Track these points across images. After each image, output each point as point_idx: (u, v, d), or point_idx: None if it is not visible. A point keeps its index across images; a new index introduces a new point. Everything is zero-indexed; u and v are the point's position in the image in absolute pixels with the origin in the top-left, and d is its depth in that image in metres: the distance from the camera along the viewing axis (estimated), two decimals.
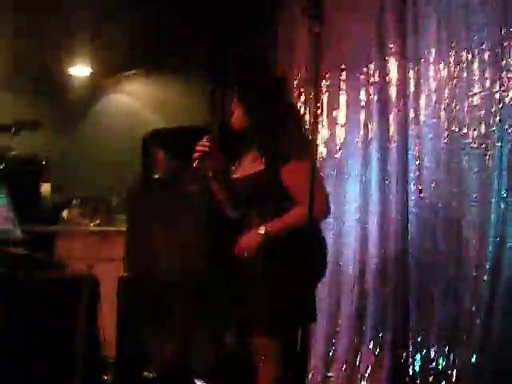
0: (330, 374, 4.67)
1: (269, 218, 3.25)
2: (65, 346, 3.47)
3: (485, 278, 4.21)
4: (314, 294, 3.41)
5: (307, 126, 4.70)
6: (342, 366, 4.64)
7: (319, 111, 4.85)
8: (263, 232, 3.20)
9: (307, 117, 4.87)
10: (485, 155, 4.28)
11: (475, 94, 4.35)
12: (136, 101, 6.96)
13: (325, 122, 4.88)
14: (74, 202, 6.15)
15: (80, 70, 6.82)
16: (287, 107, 3.40)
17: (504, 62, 4.22)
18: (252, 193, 3.32)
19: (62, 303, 3.45)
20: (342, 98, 4.84)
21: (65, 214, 6.10)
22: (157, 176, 4.90)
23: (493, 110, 4.27)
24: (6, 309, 3.29)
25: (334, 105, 4.86)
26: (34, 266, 3.52)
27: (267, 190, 3.27)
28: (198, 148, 3.33)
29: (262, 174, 3.27)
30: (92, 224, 5.98)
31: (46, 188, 6.32)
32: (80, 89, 6.85)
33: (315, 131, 3.61)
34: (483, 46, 4.29)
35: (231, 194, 3.46)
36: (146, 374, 4.60)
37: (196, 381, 4.42)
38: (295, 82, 5.06)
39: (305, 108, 4.97)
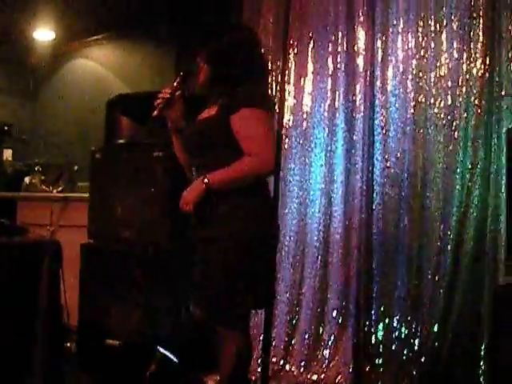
0: (293, 342, 4.68)
1: (213, 170, 3.13)
2: (26, 312, 3.42)
3: (448, 248, 4.26)
4: (266, 273, 3.20)
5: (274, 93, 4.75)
6: (306, 335, 4.65)
7: (286, 79, 4.81)
8: (205, 181, 3.08)
9: (273, 84, 4.85)
10: (451, 126, 4.31)
11: (442, 65, 4.36)
12: (101, 66, 6.89)
13: (292, 91, 4.84)
14: (37, 168, 6.06)
15: (44, 35, 6.71)
16: (250, 60, 3.27)
17: (472, 32, 4.24)
18: (199, 139, 3.23)
19: (24, 268, 3.40)
20: (310, 67, 4.80)
21: (27, 180, 6.03)
22: (121, 141, 4.84)
23: (460, 81, 4.29)
24: None
25: (301, 73, 4.82)
26: None
27: (214, 137, 3.17)
28: (159, 95, 3.28)
29: (210, 120, 3.20)
30: (55, 191, 5.91)
31: (7, 154, 6.25)
32: (44, 54, 6.76)
33: (282, 99, 3.53)
34: (451, 17, 4.31)
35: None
36: (109, 341, 4.56)
37: (159, 349, 4.40)
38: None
39: (271, 75, 4.92)
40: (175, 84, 3.30)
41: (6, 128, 6.01)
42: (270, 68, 4.76)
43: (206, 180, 3.09)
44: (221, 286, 3.09)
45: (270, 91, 4.62)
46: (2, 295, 3.34)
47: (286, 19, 3.17)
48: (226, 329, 3.21)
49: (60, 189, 5.92)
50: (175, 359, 4.41)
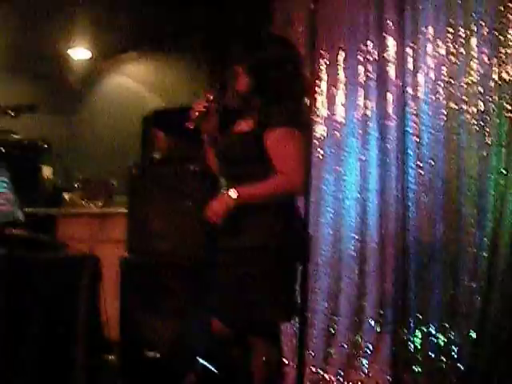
0: (331, 351, 4.69)
1: (243, 183, 3.12)
2: (67, 326, 3.49)
3: (484, 254, 4.24)
4: (291, 284, 3.20)
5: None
6: (344, 344, 4.65)
7: (318, 90, 4.84)
8: (235, 196, 3.07)
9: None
10: (484, 132, 4.29)
11: (473, 71, 4.35)
12: (136, 82, 6.98)
13: (324, 101, 4.86)
14: (76, 184, 6.16)
15: (79, 53, 6.84)
16: (292, 79, 3.22)
17: (502, 37, 4.23)
18: (232, 152, 3.21)
19: (64, 283, 3.47)
20: (341, 77, 4.83)
21: (66, 196, 6.12)
22: (157, 156, 4.90)
23: (491, 86, 4.28)
24: (8, 290, 3.31)
25: (332, 84, 4.84)
26: (35, 247, 3.54)
27: (248, 151, 3.15)
28: (195, 107, 3.25)
29: (246, 134, 3.19)
30: (94, 206, 5.99)
31: (47, 171, 6.35)
32: (80, 71, 6.88)
33: (311, 108, 3.54)
34: (481, 22, 4.29)
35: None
36: (149, 353, 4.61)
37: (199, 360, 4.44)
38: None
39: None
40: (211, 96, 3.27)
41: (45, 145, 6.11)
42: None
43: (235, 193, 3.08)
44: (247, 296, 3.10)
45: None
46: (42, 310, 3.40)
47: (313, 29, 3.15)
48: (254, 337, 3.24)
49: (99, 204, 6.00)
50: (215, 371, 4.45)
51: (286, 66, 3.20)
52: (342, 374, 4.60)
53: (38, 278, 3.41)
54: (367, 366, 4.57)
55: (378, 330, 4.59)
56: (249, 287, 3.09)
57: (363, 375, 4.55)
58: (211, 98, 3.27)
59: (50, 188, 6.29)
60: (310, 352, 4.67)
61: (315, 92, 4.81)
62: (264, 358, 3.21)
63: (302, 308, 3.04)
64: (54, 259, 3.55)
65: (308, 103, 3.32)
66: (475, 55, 4.35)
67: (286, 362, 4.50)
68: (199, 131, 3.36)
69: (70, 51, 6.82)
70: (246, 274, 3.10)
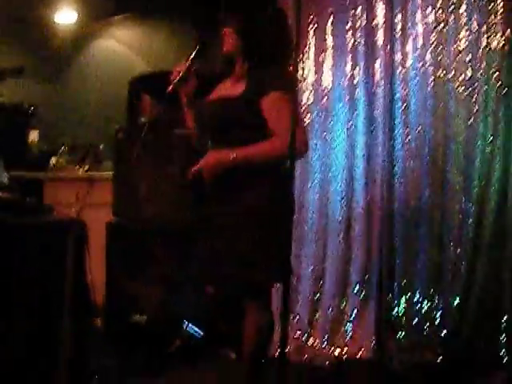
0: (316, 317, 4.72)
1: (237, 146, 3.10)
2: (54, 290, 3.48)
3: (470, 220, 4.27)
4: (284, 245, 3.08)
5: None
6: (328, 309, 4.69)
7: (306, 55, 4.82)
8: (233, 155, 3.06)
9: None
10: (471, 99, 4.31)
11: (462, 38, 4.35)
12: (124, 46, 6.93)
13: (312, 66, 4.84)
14: (62, 149, 6.13)
15: (66, 16, 6.77)
16: (281, 42, 3.22)
17: (491, 5, 4.22)
18: (225, 116, 3.17)
19: (50, 247, 3.45)
20: (329, 42, 4.80)
21: (53, 160, 6.09)
22: (144, 120, 4.88)
23: (479, 54, 4.28)
24: None
25: (321, 49, 4.82)
26: (21, 210, 3.52)
27: (242, 115, 3.13)
28: (175, 70, 3.25)
29: (240, 97, 3.14)
30: (81, 170, 5.97)
31: (33, 135, 6.31)
32: (66, 35, 6.82)
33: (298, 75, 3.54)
34: None
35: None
36: (136, 318, 4.63)
37: (184, 323, 4.47)
38: None
39: None
40: (190, 58, 3.24)
41: (31, 110, 6.07)
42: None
43: (233, 154, 3.07)
44: (239, 259, 3.10)
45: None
46: (29, 273, 3.40)
47: None
48: (247, 301, 3.25)
49: (86, 168, 5.98)
50: (200, 333, 4.48)
51: (274, 29, 3.19)
52: (327, 338, 4.63)
53: (23, 242, 3.39)
54: (351, 331, 4.60)
55: (363, 295, 4.61)
56: (241, 249, 3.10)
57: (347, 340, 4.59)
58: (190, 60, 3.24)
59: (37, 152, 6.26)
60: (295, 316, 4.70)
61: (303, 57, 4.79)
62: (256, 323, 3.23)
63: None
64: (39, 223, 3.52)
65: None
66: (464, 22, 4.34)
67: None
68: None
69: (55, 15, 6.74)
70: (238, 235, 3.11)
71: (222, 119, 3.19)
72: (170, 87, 3.24)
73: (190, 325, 4.50)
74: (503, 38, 4.19)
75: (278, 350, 2.77)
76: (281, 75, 3.14)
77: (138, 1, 6.39)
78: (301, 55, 4.76)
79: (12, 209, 3.48)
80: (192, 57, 3.25)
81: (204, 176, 3.15)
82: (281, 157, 3.04)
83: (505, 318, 4.11)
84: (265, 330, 3.26)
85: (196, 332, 4.49)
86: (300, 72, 4.77)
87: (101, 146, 6.11)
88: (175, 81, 3.24)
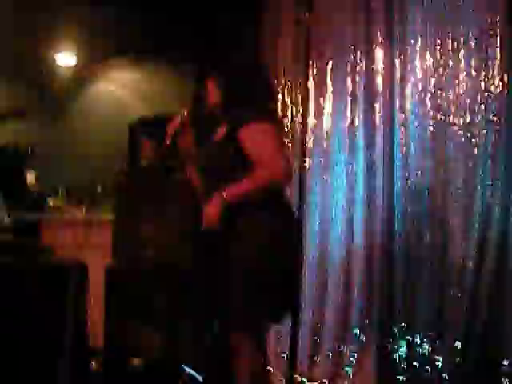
0: (316, 360, 4.70)
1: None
2: (53, 333, 3.47)
3: (470, 264, 4.27)
4: (283, 286, 3.23)
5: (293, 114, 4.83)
6: (328, 353, 4.66)
7: (305, 100, 4.87)
8: (223, 196, 3.12)
9: (292, 105, 4.93)
10: (471, 143, 4.33)
11: (461, 83, 4.39)
12: (122, 89, 6.97)
13: (311, 111, 4.88)
14: (60, 190, 6.13)
15: (65, 59, 6.82)
16: (258, 84, 3.40)
17: (489, 50, 4.26)
18: (212, 161, 3.31)
19: (51, 289, 3.45)
20: (329, 87, 4.84)
21: (51, 202, 6.09)
22: (144, 164, 4.90)
23: (478, 98, 4.31)
24: None
25: (320, 94, 4.86)
26: (22, 252, 3.52)
27: (227, 157, 3.23)
28: (169, 125, 3.38)
29: (220, 140, 3.28)
30: (78, 213, 5.96)
31: (31, 177, 6.31)
32: (65, 77, 6.86)
33: (303, 118, 3.61)
34: (469, 35, 4.33)
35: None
36: (134, 362, 4.60)
37: (184, 368, 4.44)
38: (281, 70, 5.06)
39: (290, 96, 4.99)
40: (185, 112, 3.39)
41: (28, 152, 6.08)
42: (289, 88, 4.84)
43: (223, 194, 3.12)
44: (242, 294, 3.13)
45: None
46: (29, 315, 3.38)
47: (306, 40, 3.20)
48: (241, 341, 3.23)
49: (83, 210, 5.98)
50: (200, 378, 4.44)
51: (250, 73, 3.41)
52: (327, 382, 4.60)
53: (25, 284, 3.39)
54: (352, 374, 4.57)
55: (363, 339, 4.59)
56: (245, 286, 3.13)
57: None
58: (185, 113, 3.40)
59: (34, 193, 6.25)
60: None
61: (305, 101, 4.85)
62: (249, 364, 3.22)
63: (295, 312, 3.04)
64: (41, 265, 3.53)
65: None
66: (462, 67, 4.39)
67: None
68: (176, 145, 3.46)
69: (56, 56, 6.80)
70: (242, 273, 3.14)
71: (212, 162, 3.32)
72: (168, 141, 3.38)
73: (188, 369, 4.47)
74: (502, 82, 4.22)
75: None
76: (256, 109, 3.25)
77: (138, 43, 6.43)
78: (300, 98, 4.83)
79: (13, 251, 3.48)
80: (186, 112, 3.40)
81: (210, 228, 3.19)
82: (268, 185, 3.14)
83: (507, 363, 4.09)
84: (258, 372, 3.26)
85: (195, 376, 4.45)
86: (300, 115, 4.84)
87: (98, 189, 6.12)
88: (171, 134, 3.38)
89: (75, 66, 6.88)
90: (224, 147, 3.25)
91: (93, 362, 4.75)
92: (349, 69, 4.78)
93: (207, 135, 3.49)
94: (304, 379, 4.67)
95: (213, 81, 3.38)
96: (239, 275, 3.13)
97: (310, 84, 4.90)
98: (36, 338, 3.40)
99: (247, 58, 3.64)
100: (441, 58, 4.46)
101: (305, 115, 4.90)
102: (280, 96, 4.97)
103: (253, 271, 3.13)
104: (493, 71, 4.26)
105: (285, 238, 3.23)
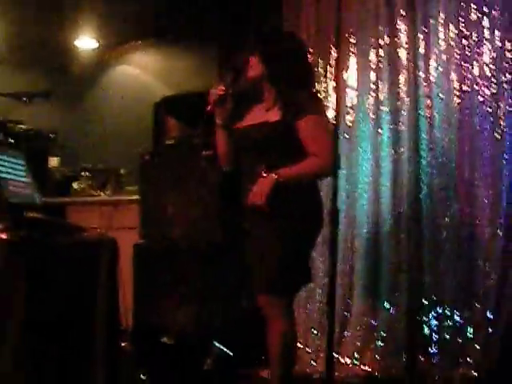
0: (346, 334, 4.71)
1: (276, 167, 3.32)
2: (86, 310, 3.48)
3: (499, 235, 4.26)
4: (309, 252, 3.56)
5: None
6: (358, 326, 4.67)
7: (330, 75, 4.88)
8: (276, 177, 3.27)
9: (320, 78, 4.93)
10: (496, 113, 4.31)
11: (485, 53, 4.37)
12: (144, 71, 7.00)
13: (335, 85, 4.87)
14: (84, 173, 6.16)
15: (87, 42, 6.86)
16: (304, 68, 3.54)
17: None
18: (264, 142, 3.39)
19: (84, 266, 3.47)
20: (352, 61, 4.84)
21: (75, 185, 6.12)
22: (169, 142, 4.92)
23: (503, 68, 4.30)
24: (28, 272, 3.30)
25: (344, 68, 4.85)
26: (55, 229, 3.54)
27: (281, 141, 3.35)
28: (213, 92, 3.46)
29: (279, 122, 3.36)
30: (102, 194, 6.00)
31: (54, 162, 6.35)
32: (87, 61, 6.90)
33: (338, 92, 3.66)
34: (493, 4, 4.31)
35: (233, 144, 3.58)
36: (164, 340, 4.63)
37: (215, 344, 4.46)
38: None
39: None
40: (228, 81, 3.47)
41: (51, 136, 6.12)
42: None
43: (276, 176, 3.27)
44: (276, 262, 3.32)
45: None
46: (63, 293, 3.40)
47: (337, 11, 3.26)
48: (272, 309, 3.37)
49: (108, 192, 6.01)
50: (230, 354, 4.47)
51: (297, 56, 3.49)
52: (357, 356, 4.62)
53: (59, 261, 3.40)
54: (382, 348, 4.57)
55: (393, 312, 4.60)
56: (279, 254, 3.33)
57: (378, 357, 4.57)
58: (229, 83, 3.48)
59: (58, 177, 6.29)
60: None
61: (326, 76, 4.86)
62: (280, 333, 3.36)
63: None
64: (74, 241, 3.55)
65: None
66: (487, 37, 4.37)
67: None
68: (211, 116, 3.52)
69: (76, 41, 6.83)
70: (275, 242, 3.34)
71: (264, 142, 3.40)
72: (209, 107, 3.47)
73: (219, 345, 4.49)
74: None
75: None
76: (311, 99, 3.44)
77: (157, 26, 6.44)
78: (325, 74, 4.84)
79: (47, 228, 3.50)
80: (230, 80, 3.48)
81: (257, 205, 3.30)
82: (321, 174, 3.45)
83: None
84: (289, 338, 3.40)
85: (226, 352, 4.48)
86: (324, 90, 4.85)
87: (122, 171, 6.15)
88: (214, 101, 3.45)
89: (97, 49, 6.92)
90: (278, 131, 3.36)
91: (125, 344, 4.78)
92: (372, 42, 4.76)
93: (246, 108, 3.58)
94: (334, 354, 4.67)
95: (257, 57, 3.44)
96: (279, 244, 3.32)
97: (332, 59, 4.88)
98: (69, 316, 3.41)
99: (292, 38, 3.64)
100: (464, 28, 4.44)
101: (327, 89, 4.92)
102: None
103: (301, 239, 3.40)
104: None
105: (316, 212, 3.48)
